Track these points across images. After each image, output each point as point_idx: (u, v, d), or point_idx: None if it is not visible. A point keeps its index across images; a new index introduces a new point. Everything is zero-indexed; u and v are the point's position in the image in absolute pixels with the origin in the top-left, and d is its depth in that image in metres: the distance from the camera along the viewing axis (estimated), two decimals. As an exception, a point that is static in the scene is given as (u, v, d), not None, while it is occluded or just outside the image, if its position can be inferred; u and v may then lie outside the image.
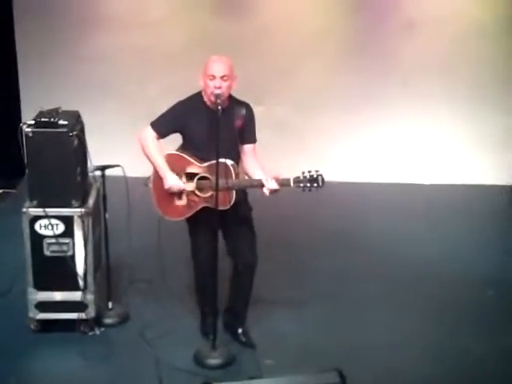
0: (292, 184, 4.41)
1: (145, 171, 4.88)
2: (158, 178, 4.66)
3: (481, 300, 5.66)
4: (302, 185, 4.40)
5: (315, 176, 4.39)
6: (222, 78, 4.45)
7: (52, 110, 4.91)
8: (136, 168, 4.98)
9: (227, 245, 4.79)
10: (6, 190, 7.68)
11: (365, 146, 8.56)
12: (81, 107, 5.25)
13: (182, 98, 4.71)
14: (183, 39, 8.10)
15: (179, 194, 4.61)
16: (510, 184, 8.33)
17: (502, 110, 8.37)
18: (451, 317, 5.38)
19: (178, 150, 4.68)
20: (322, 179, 4.40)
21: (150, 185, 4.73)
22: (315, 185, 4.39)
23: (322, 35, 8.22)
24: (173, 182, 4.58)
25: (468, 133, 8.51)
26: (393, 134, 8.52)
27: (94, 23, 8.09)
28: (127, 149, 7.04)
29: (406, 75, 8.30)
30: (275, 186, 4.39)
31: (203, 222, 4.63)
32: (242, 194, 4.68)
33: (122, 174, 4.96)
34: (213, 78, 4.46)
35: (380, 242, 6.64)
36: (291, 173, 4.50)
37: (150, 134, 4.64)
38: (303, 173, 4.41)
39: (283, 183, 4.42)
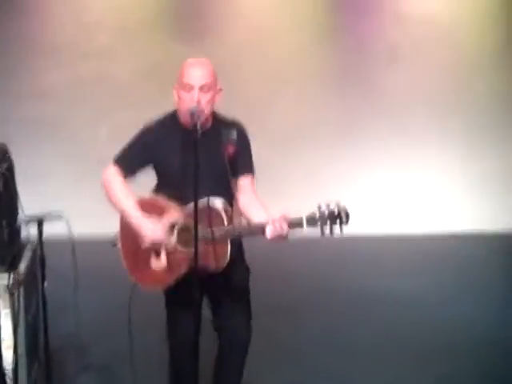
0: (305, 224, 3.22)
1: (96, 226, 3.59)
2: (126, 232, 3.44)
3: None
4: (319, 223, 3.20)
5: (336, 210, 3.19)
6: (201, 88, 3.32)
7: (-34, 141, 3.65)
8: (85, 223, 4.19)
9: (215, 316, 3.62)
10: None
11: (347, 189, 7.40)
12: (15, 149, 4.12)
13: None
14: (135, 69, 7.27)
15: (156, 252, 3.37)
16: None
17: (502, 145, 7.58)
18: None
19: (153, 194, 3.50)
20: (347, 214, 3.20)
21: (119, 244, 3.49)
22: (338, 221, 3.20)
23: (298, 61, 7.45)
24: (152, 227, 3.34)
25: (463, 174, 7.66)
26: (378, 175, 7.63)
27: (31, 54, 7.19)
28: (73, 198, 5.98)
29: (392, 107, 7.53)
30: (285, 227, 3.21)
31: (184, 287, 3.38)
32: (237, 247, 3.49)
33: (66, 230, 3.69)
34: (189, 89, 3.32)
35: (385, 303, 5.68)
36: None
37: (114, 172, 3.45)
38: (319, 208, 3.21)
39: (295, 223, 3.23)
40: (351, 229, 5.44)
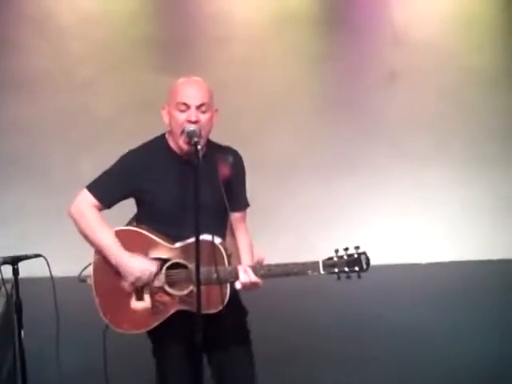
0: (322, 270, 2.98)
1: (79, 267, 3.25)
2: (102, 267, 3.06)
3: None
4: (336, 270, 2.99)
5: (356, 256, 3.00)
6: (199, 107, 3.01)
7: None
8: (64, 264, 4.06)
9: (213, 369, 3.21)
10: None
11: (347, 221, 7.37)
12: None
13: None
14: (119, 102, 7.04)
15: (138, 291, 3.02)
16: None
17: (502, 171, 7.47)
18: None
19: (129, 226, 3.10)
20: (367, 260, 3.01)
21: (90, 280, 3.08)
22: (356, 268, 3.00)
23: (290, 91, 7.30)
24: (139, 266, 2.98)
25: (463, 200, 7.48)
26: (379, 205, 7.44)
27: (8, 87, 6.97)
28: (51, 239, 5.70)
29: (391, 134, 7.40)
30: (253, 277, 2.97)
31: (177, 335, 3.04)
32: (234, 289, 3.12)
33: (45, 272, 3.34)
34: (186, 109, 3.01)
35: (389, 336, 5.34)
36: (268, 259, 3.06)
37: (87, 201, 3.07)
38: (336, 252, 3.01)
39: (310, 268, 2.98)
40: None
